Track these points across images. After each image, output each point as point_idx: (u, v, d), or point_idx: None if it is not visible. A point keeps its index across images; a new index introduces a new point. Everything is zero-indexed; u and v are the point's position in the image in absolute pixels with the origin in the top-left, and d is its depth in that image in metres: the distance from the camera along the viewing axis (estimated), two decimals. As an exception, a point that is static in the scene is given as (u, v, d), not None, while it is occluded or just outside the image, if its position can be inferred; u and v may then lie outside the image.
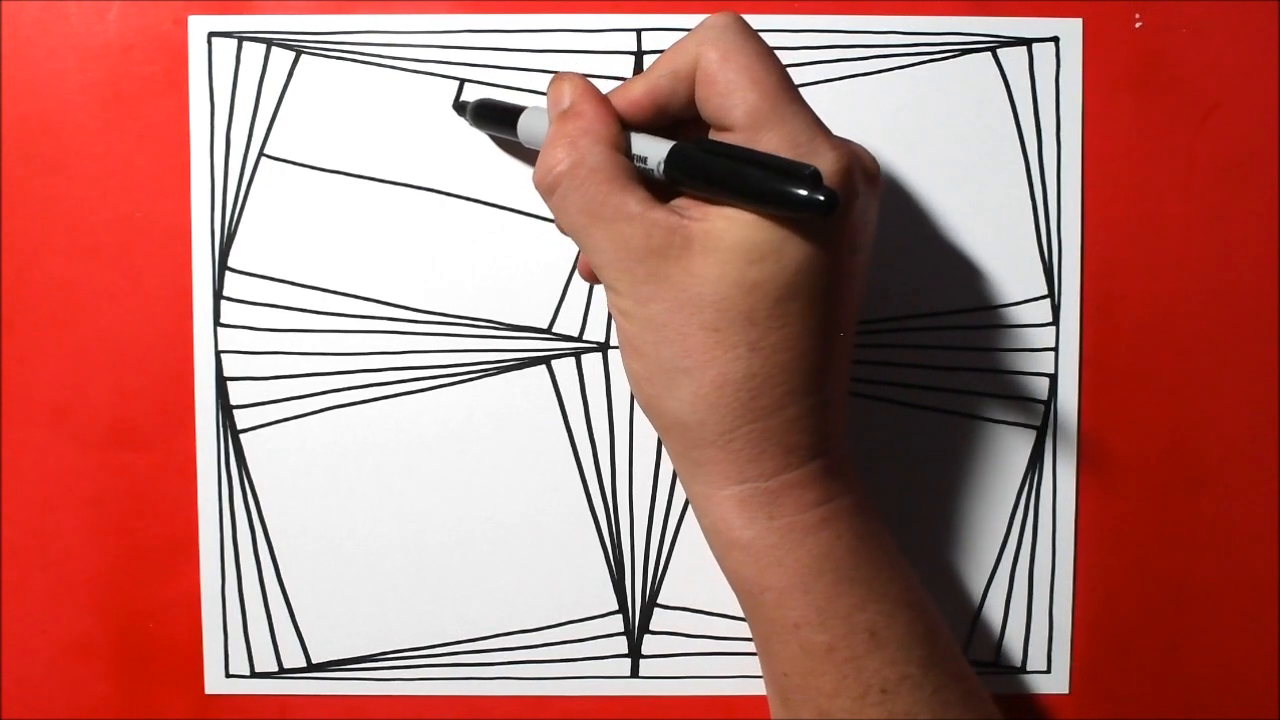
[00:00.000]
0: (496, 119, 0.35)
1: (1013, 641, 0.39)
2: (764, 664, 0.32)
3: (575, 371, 0.38)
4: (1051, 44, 0.38)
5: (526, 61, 0.38)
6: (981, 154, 0.38)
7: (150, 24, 0.37)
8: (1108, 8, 0.38)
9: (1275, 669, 0.39)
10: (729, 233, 0.28)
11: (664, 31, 0.37)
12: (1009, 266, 0.38)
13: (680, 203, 0.29)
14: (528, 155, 0.38)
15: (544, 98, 0.32)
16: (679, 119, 0.31)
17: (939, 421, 0.38)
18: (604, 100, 0.31)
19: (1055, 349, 0.38)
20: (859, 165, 0.29)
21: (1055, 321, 0.38)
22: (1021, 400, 0.38)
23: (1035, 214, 0.38)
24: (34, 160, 0.38)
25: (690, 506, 0.31)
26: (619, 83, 0.31)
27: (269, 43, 0.38)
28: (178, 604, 0.38)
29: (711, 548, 0.31)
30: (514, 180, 0.38)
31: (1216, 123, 0.38)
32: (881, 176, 0.31)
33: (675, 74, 0.30)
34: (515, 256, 0.38)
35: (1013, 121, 0.38)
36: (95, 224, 0.38)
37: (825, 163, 0.28)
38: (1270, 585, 0.39)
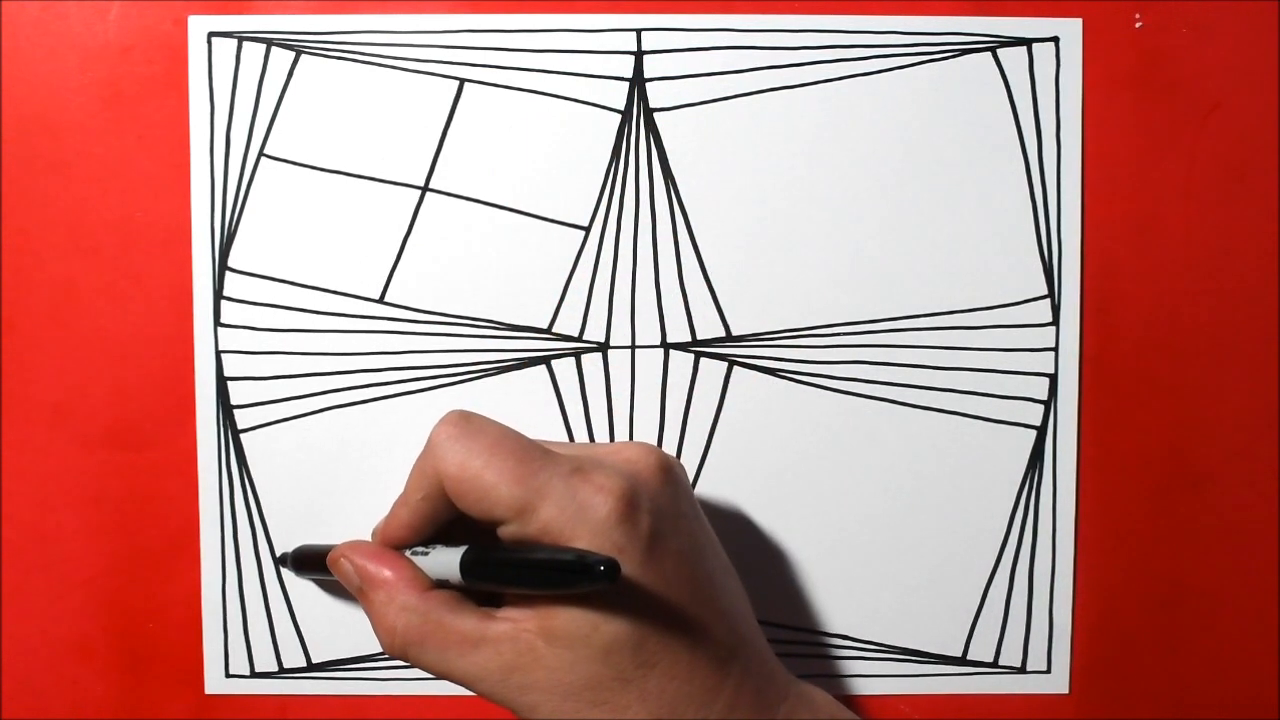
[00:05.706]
0: (313, 565, 0.36)
1: (1013, 641, 0.39)
2: None
3: (575, 371, 0.38)
4: (1051, 44, 0.38)
5: (526, 61, 0.38)
6: (981, 154, 0.38)
7: (150, 24, 0.37)
8: (1108, 8, 0.38)
9: (1275, 669, 0.39)
10: (559, 622, 0.29)
11: (664, 31, 0.37)
12: (1009, 266, 0.38)
13: (508, 611, 0.31)
14: (527, 155, 0.38)
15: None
16: (451, 519, 0.32)
17: (939, 421, 0.38)
18: (388, 554, 0.32)
19: (1055, 349, 0.38)
20: (634, 480, 0.30)
21: (1055, 321, 0.38)
22: (1021, 400, 0.38)
23: (1035, 214, 0.38)
24: (34, 160, 0.38)
25: None
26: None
27: (269, 43, 0.38)
28: (178, 604, 0.38)
29: None
30: (514, 180, 0.38)
31: (1216, 123, 0.38)
32: (671, 461, 0.32)
33: (428, 496, 0.32)
34: (515, 256, 0.38)
35: (1013, 121, 0.38)
36: (95, 224, 0.38)
37: (600, 506, 0.29)
38: (1270, 585, 0.39)
